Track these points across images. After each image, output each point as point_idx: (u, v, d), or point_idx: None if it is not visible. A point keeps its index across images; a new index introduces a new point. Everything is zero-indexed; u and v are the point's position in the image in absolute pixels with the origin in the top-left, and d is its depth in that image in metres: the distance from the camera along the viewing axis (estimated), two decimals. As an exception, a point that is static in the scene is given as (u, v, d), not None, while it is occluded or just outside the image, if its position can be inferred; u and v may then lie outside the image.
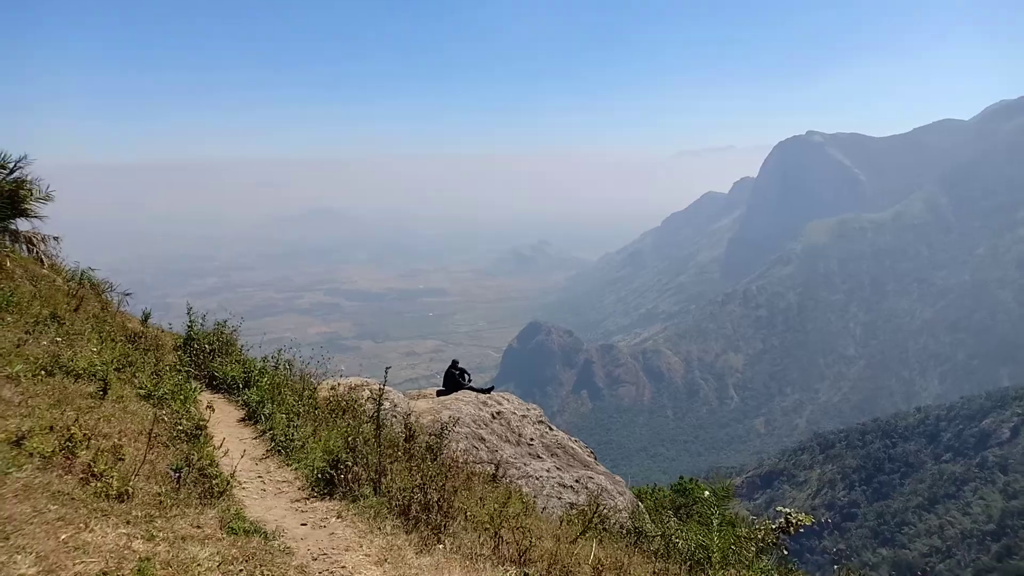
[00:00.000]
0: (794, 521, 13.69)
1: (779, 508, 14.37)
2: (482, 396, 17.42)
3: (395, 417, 14.00)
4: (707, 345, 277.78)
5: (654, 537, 12.57)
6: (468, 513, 7.35)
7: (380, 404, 8.12)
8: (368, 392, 13.11)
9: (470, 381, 18.05)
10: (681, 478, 28.09)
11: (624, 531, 12.91)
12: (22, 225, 17.68)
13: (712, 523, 10.13)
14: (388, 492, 7.06)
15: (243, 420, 10.05)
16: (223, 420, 9.79)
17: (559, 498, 15.92)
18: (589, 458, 18.64)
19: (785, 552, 13.36)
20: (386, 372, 8.02)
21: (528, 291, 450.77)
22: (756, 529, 13.40)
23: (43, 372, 7.85)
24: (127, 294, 18.62)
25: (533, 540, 6.49)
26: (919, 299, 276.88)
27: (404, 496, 6.80)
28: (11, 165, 17.25)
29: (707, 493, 20.11)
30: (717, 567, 8.74)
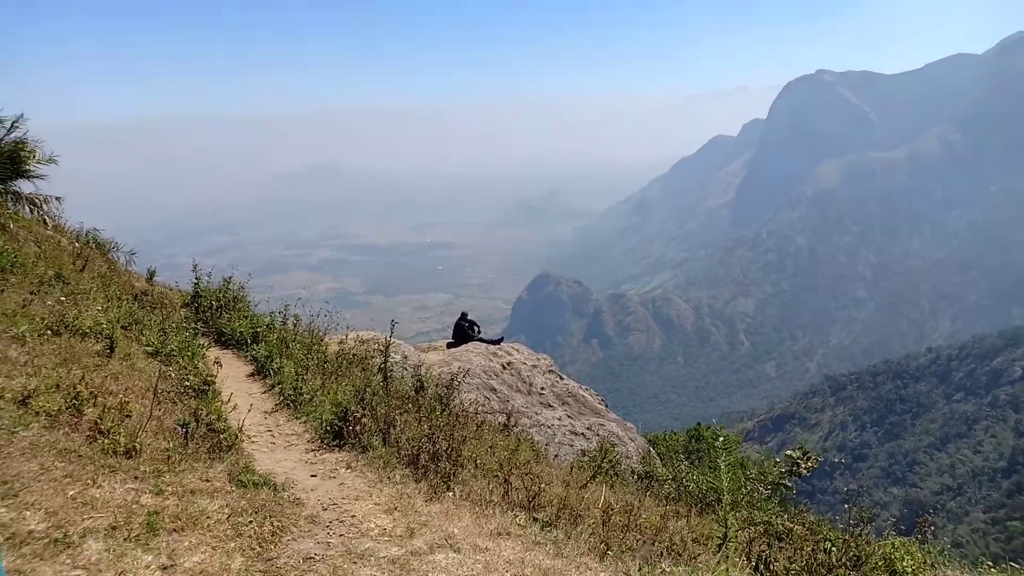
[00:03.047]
0: (802, 463, 13.76)
1: (788, 451, 14.46)
2: (492, 347, 17.43)
3: (405, 369, 14.06)
4: (717, 291, 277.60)
5: (665, 481, 12.68)
6: (478, 461, 7.37)
7: (387, 355, 8.08)
8: (377, 345, 13.16)
9: (480, 333, 18.04)
10: (698, 424, 28.30)
11: (635, 476, 13.03)
12: (24, 187, 17.59)
13: (721, 466, 10.15)
14: (397, 443, 7.06)
15: (252, 375, 10.07)
16: (232, 375, 9.82)
17: (571, 445, 16.07)
18: (600, 406, 18.75)
19: (793, 492, 13.47)
20: (392, 325, 7.95)
21: (537, 242, 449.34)
22: (765, 471, 13.49)
23: (49, 332, 7.82)
24: (133, 253, 18.57)
25: (543, 486, 6.49)
26: (931, 239, 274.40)
27: (413, 446, 6.80)
28: (8, 124, 17.06)
29: (721, 439, 20.21)
30: (727, 508, 8.79)
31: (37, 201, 18.37)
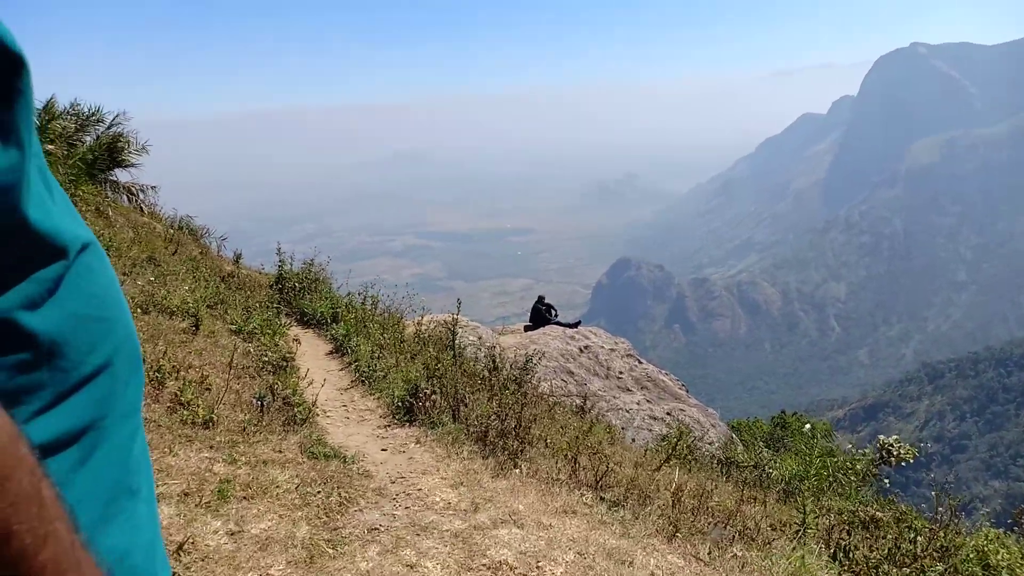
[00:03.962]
0: (895, 452, 13.02)
1: (881, 438, 13.71)
2: (569, 331, 17.33)
3: (480, 350, 14.14)
4: (806, 275, 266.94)
5: (745, 467, 12.27)
6: (548, 440, 7.30)
7: (455, 333, 8.10)
8: (459, 327, 13.29)
9: (557, 316, 17.96)
10: (783, 412, 27.34)
11: (714, 461, 12.67)
12: (122, 177, 18.68)
13: (808, 453, 9.73)
14: (466, 420, 7.07)
15: (331, 353, 10.33)
16: (311, 353, 10.10)
17: (649, 430, 15.80)
18: (680, 391, 18.36)
19: (886, 482, 12.77)
20: (459, 304, 7.97)
21: (616, 226, 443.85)
22: (855, 459, 12.86)
23: (139, 310, 8.24)
24: (224, 238, 19.43)
25: (611, 466, 6.36)
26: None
27: (482, 423, 6.79)
28: (109, 120, 18.18)
29: (807, 426, 19.47)
30: (810, 496, 8.40)
31: (134, 190, 19.48)
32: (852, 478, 12.13)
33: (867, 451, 13.32)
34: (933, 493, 5.88)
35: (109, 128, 18.09)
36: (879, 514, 7.40)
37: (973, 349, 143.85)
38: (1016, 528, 6.48)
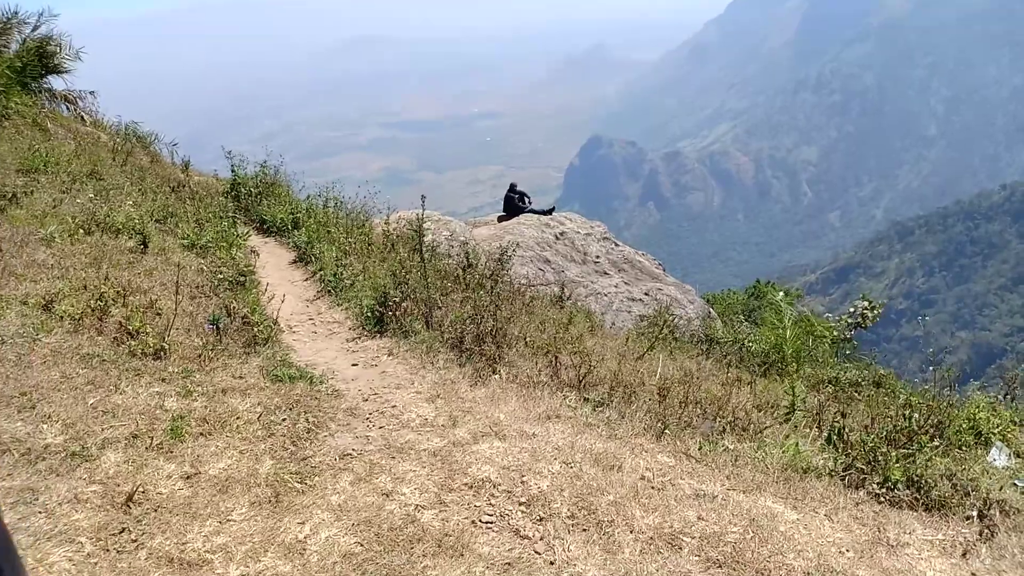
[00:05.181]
0: (869, 314, 13.14)
1: (853, 303, 13.80)
2: (544, 218, 16.94)
3: (453, 247, 13.71)
4: (778, 140, 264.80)
5: (725, 343, 12.30)
6: (528, 339, 7.03)
7: (420, 232, 7.63)
8: (430, 224, 12.71)
9: (531, 204, 17.49)
10: (757, 281, 27.59)
11: (695, 340, 12.68)
12: (57, 84, 17.31)
13: (783, 323, 9.63)
14: (440, 326, 6.74)
15: (294, 263, 9.85)
16: (272, 264, 9.61)
17: (628, 312, 15.79)
18: (657, 270, 18.28)
19: (855, 344, 12.97)
20: (423, 200, 7.42)
21: (586, 102, 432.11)
22: (829, 328, 12.96)
23: (81, 231, 7.62)
24: (175, 144, 18.25)
25: (594, 362, 6.11)
26: (1010, 65, 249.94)
27: (457, 328, 6.47)
28: (33, 20, 16.60)
29: (780, 294, 19.61)
30: (793, 372, 8.34)
31: (72, 98, 18.16)
32: (827, 346, 12.25)
33: (843, 318, 13.44)
34: (932, 369, 5.74)
35: (34, 30, 16.56)
36: (863, 384, 7.36)
37: (943, 204, 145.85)
38: (1005, 393, 6.44)
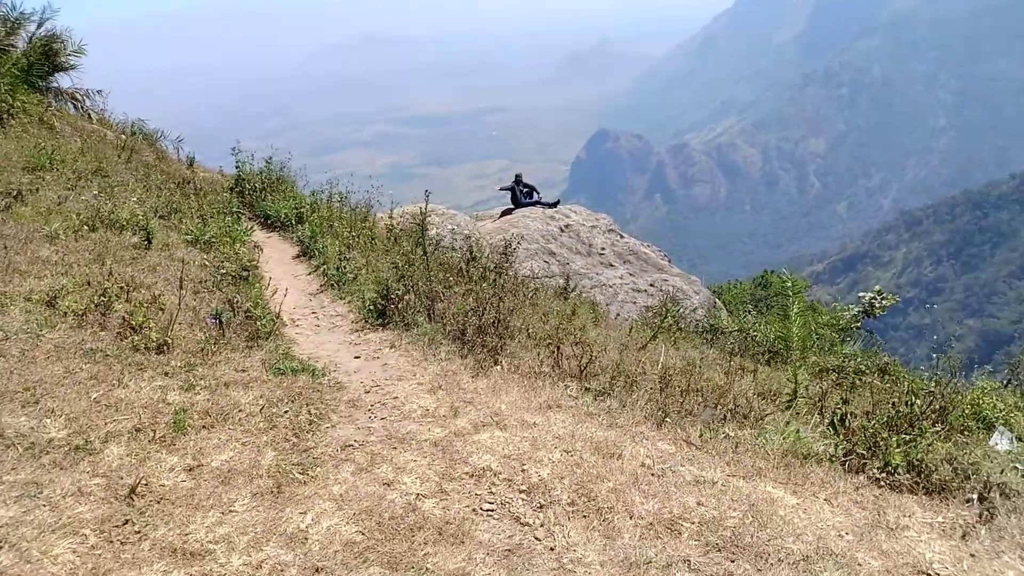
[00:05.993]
0: (877, 304, 13.05)
1: (861, 292, 13.71)
2: (549, 210, 16.95)
3: (457, 240, 13.72)
4: (786, 133, 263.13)
5: (730, 332, 12.27)
6: (530, 330, 7.04)
7: (424, 226, 7.64)
8: (435, 217, 12.75)
9: (536, 196, 17.50)
10: (764, 271, 27.48)
11: (699, 329, 12.66)
12: (63, 82, 17.40)
13: (790, 313, 9.59)
14: (442, 318, 6.76)
15: (297, 257, 9.89)
16: (276, 258, 9.65)
17: (633, 303, 15.78)
18: (663, 261, 18.27)
19: (867, 332, 12.89)
20: (427, 195, 7.44)
21: (593, 97, 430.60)
22: (838, 317, 12.90)
23: (85, 227, 7.67)
24: (180, 140, 18.34)
25: (596, 352, 6.11)
26: (1020, 57, 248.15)
27: (459, 320, 6.48)
28: (38, 18, 16.68)
29: (788, 284, 19.56)
30: (796, 358, 8.32)
31: (79, 96, 18.25)
32: (835, 334, 12.19)
33: (851, 307, 13.37)
34: (936, 357, 5.72)
35: (39, 27, 16.66)
36: (868, 374, 7.33)
37: (951, 194, 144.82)
38: (1010, 379, 6.41)
